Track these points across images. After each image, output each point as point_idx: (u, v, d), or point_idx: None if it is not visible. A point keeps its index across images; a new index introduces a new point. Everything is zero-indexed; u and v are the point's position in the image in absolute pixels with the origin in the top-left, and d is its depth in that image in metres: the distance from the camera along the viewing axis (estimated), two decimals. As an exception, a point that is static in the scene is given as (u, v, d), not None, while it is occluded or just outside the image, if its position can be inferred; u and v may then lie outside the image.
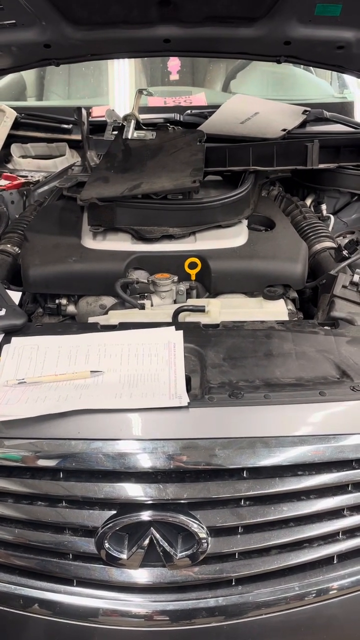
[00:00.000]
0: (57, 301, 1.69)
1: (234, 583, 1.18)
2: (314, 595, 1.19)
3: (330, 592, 1.20)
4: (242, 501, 1.16)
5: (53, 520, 1.17)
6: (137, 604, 1.18)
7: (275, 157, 1.97)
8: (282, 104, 2.46)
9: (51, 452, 1.16)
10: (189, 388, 1.24)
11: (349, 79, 3.05)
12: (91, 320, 1.59)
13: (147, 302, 1.61)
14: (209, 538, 1.15)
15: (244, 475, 1.16)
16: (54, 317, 1.71)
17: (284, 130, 2.19)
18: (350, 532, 1.21)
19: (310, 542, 1.20)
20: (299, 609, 1.19)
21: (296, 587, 1.18)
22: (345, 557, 1.22)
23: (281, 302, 1.62)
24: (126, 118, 2.09)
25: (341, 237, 2.06)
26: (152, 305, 1.63)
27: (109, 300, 1.68)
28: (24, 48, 1.99)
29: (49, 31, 1.90)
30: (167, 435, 1.16)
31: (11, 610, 1.20)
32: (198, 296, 1.70)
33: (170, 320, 1.52)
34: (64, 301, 1.69)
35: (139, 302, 1.59)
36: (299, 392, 1.23)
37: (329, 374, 1.30)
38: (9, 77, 3.05)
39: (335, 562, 1.21)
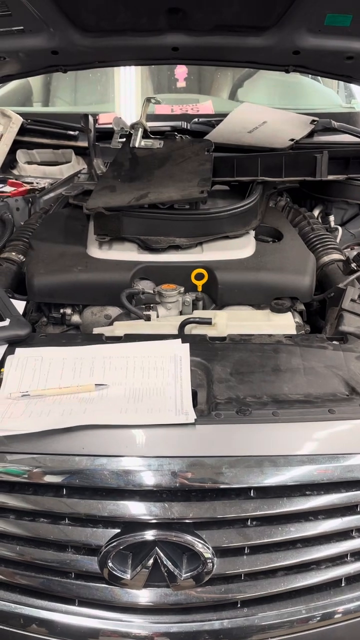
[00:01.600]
0: (61, 311, 1.67)
1: (239, 605, 1.16)
2: (320, 618, 1.16)
3: (337, 616, 1.17)
4: (249, 521, 1.14)
5: (55, 538, 1.14)
6: (139, 625, 1.15)
7: (284, 167, 1.96)
8: (290, 114, 2.44)
9: (54, 467, 1.14)
10: (195, 403, 1.22)
11: (356, 88, 3.04)
12: (96, 331, 1.57)
13: (152, 313, 1.59)
14: (215, 558, 1.12)
15: (251, 494, 1.13)
16: (58, 327, 1.69)
17: (292, 140, 2.17)
18: (359, 555, 1.19)
19: (317, 564, 1.17)
20: (305, 633, 1.17)
21: (303, 610, 1.16)
22: (354, 579, 1.19)
23: (289, 315, 1.59)
24: (134, 126, 2.08)
25: (349, 249, 2.04)
26: (157, 316, 1.61)
27: (114, 311, 1.66)
28: (31, 54, 1.98)
29: (57, 38, 1.88)
30: (173, 452, 1.14)
31: (11, 629, 1.17)
32: (204, 307, 1.68)
33: (176, 332, 1.50)
34: (68, 311, 1.67)
35: (144, 313, 1.57)
36: (307, 410, 1.21)
37: (338, 391, 1.27)
38: (15, 82, 3.03)
39: (343, 584, 1.18)
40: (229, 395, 1.24)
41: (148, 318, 1.57)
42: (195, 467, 1.13)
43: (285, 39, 1.87)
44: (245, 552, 1.14)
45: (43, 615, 1.17)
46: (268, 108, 2.49)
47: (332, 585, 1.18)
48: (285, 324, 1.57)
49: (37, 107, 3.11)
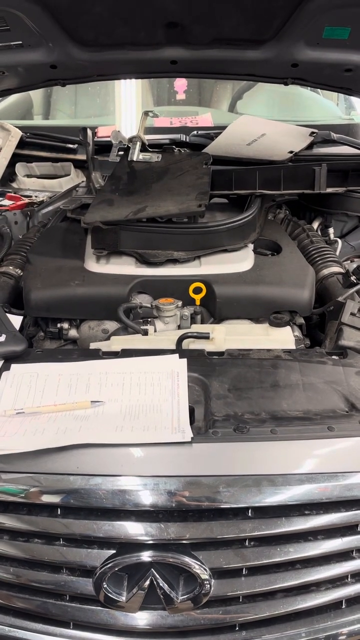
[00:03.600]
0: (58, 325, 1.66)
1: (237, 628, 1.14)
2: (321, 641, 1.14)
3: (339, 639, 1.15)
4: (247, 542, 1.12)
5: (50, 559, 1.13)
6: (135, 648, 1.13)
7: (282, 180, 1.94)
8: (289, 126, 2.45)
9: (49, 487, 1.12)
10: (192, 420, 1.21)
11: (356, 100, 3.04)
12: (93, 346, 1.56)
13: (150, 328, 1.57)
14: (212, 580, 1.10)
15: (249, 514, 1.11)
16: (55, 341, 1.68)
17: (291, 152, 2.17)
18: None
19: (317, 585, 1.15)
20: (306, 657, 1.14)
21: (303, 633, 1.14)
22: (355, 601, 1.17)
23: (288, 329, 1.58)
24: (132, 140, 2.07)
25: (348, 262, 2.03)
26: (155, 330, 1.60)
27: (111, 325, 1.65)
28: (30, 68, 1.98)
29: (56, 52, 1.89)
30: (169, 471, 1.12)
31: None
32: (202, 321, 1.66)
33: (174, 346, 1.48)
34: (65, 325, 1.66)
35: (142, 327, 1.56)
36: (306, 427, 1.19)
37: (337, 407, 1.26)
38: (16, 96, 3.05)
39: (343, 606, 1.16)
40: (226, 412, 1.23)
41: (145, 332, 1.55)
42: (192, 487, 1.11)
43: (284, 51, 1.87)
44: (244, 573, 1.12)
45: (37, 638, 1.14)
46: (267, 120, 2.50)
47: (333, 607, 1.16)
48: (284, 338, 1.55)
49: (37, 120, 3.13)
